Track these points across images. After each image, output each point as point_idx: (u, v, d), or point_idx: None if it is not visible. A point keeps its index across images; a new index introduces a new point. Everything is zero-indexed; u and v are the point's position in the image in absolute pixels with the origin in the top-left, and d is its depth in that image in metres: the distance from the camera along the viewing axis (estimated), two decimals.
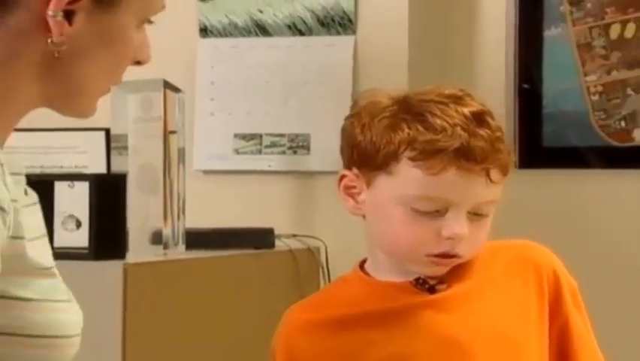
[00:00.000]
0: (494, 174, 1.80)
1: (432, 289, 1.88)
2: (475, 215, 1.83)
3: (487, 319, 1.88)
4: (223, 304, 2.70)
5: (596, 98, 3.31)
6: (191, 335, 2.66)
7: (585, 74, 3.32)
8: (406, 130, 1.82)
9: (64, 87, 1.53)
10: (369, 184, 1.87)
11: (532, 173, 3.33)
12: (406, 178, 1.83)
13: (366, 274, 1.92)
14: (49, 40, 1.46)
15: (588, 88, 3.32)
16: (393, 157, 1.83)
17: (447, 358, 1.86)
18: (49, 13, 1.45)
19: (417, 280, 1.87)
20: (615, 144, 3.31)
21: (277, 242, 3.10)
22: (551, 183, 3.34)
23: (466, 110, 1.81)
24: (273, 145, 3.36)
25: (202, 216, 3.12)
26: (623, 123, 3.29)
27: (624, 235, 3.23)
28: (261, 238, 3.08)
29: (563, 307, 1.92)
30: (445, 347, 1.86)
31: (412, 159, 1.81)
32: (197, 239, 3.03)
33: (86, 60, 1.51)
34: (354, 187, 1.88)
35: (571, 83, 3.33)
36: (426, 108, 1.83)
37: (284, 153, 3.34)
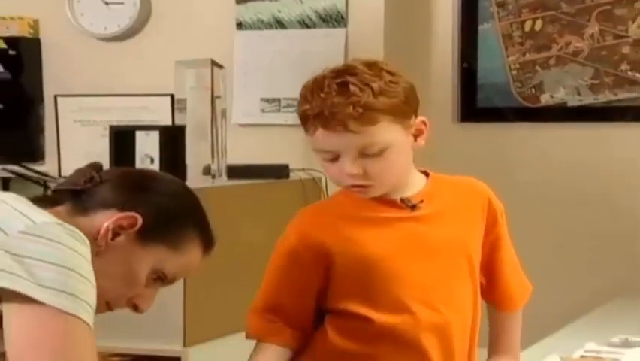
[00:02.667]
0: (353, 126, 1.70)
1: (413, 207, 1.82)
2: (366, 156, 1.74)
3: (450, 230, 1.83)
4: (253, 217, 2.71)
5: (514, 72, 3.32)
6: (232, 241, 2.67)
7: (507, 56, 3.33)
8: (302, 104, 1.78)
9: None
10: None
11: (470, 126, 3.34)
12: (309, 139, 1.79)
13: None
14: (96, 243, 1.52)
15: (509, 66, 3.33)
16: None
17: (420, 257, 1.81)
18: (106, 224, 1.53)
19: (402, 199, 1.81)
20: (528, 105, 3.32)
21: (291, 174, 3.08)
22: (484, 133, 3.34)
23: (332, 82, 1.73)
24: (288, 106, 3.35)
25: (238, 155, 3.12)
26: (533, 90, 3.31)
27: (534, 170, 3.25)
28: (279, 171, 3.07)
29: (497, 226, 1.88)
30: (419, 248, 1.81)
31: (303, 127, 1.78)
32: (235, 172, 3.01)
33: (105, 274, 1.50)
34: None
35: (497, 62, 3.34)
36: (313, 84, 1.77)
37: (295, 111, 3.34)
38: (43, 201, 1.58)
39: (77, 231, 1.44)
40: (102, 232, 1.54)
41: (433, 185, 1.85)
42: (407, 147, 1.79)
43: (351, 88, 1.71)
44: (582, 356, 2.00)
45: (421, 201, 1.82)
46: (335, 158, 1.75)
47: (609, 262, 3.17)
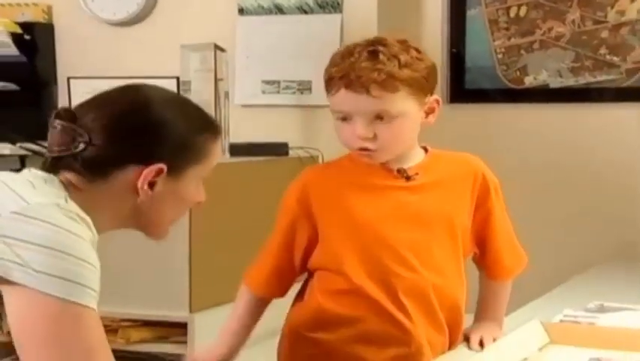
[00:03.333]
0: (375, 91, 1.72)
1: (408, 178, 1.83)
2: (379, 120, 1.75)
3: (438, 202, 1.84)
4: (254, 192, 2.71)
5: (500, 56, 3.33)
6: (235, 214, 2.67)
7: (493, 41, 3.33)
8: (330, 68, 1.79)
9: (145, 223, 1.55)
10: None
11: (459, 106, 3.35)
12: (329, 99, 1.80)
13: None
14: (139, 200, 1.48)
15: (495, 50, 3.33)
16: (326, 89, 1.82)
17: (406, 224, 1.82)
18: (139, 185, 1.46)
19: (398, 170, 1.83)
20: (513, 86, 3.32)
21: (290, 152, 3.09)
22: (471, 113, 3.35)
23: (364, 50, 1.76)
24: (287, 88, 3.35)
25: (240, 134, 3.13)
26: (518, 73, 3.31)
27: (518, 148, 3.26)
28: (279, 149, 3.07)
29: (489, 200, 1.88)
30: (406, 216, 1.83)
31: (326, 87, 1.80)
32: (237, 149, 3.02)
33: (160, 210, 1.52)
34: None
35: (484, 46, 3.34)
36: (344, 50, 1.80)
37: (294, 93, 3.33)
38: (54, 170, 1.47)
39: (75, 210, 1.38)
40: (141, 194, 1.47)
41: (430, 159, 1.87)
42: (417, 121, 1.82)
43: (380, 56, 1.74)
44: (561, 321, 2.01)
45: (416, 174, 1.83)
46: (350, 119, 1.77)
47: (586, 234, 3.20)
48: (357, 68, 1.73)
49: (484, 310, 1.92)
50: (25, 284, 1.29)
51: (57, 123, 1.46)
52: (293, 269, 1.89)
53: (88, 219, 1.39)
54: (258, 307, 1.94)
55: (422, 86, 1.78)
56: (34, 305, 1.30)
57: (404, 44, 1.79)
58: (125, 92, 1.54)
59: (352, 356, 1.82)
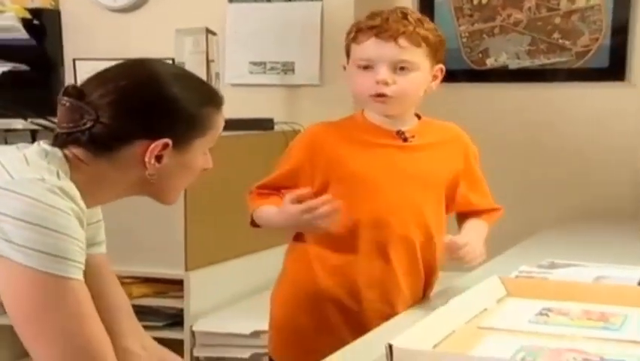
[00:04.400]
0: (402, 41, 1.77)
1: (405, 140, 1.86)
2: (399, 69, 1.78)
3: (428, 163, 1.87)
4: (243, 163, 2.72)
5: (465, 40, 3.33)
6: (226, 182, 2.67)
7: (459, 26, 3.33)
8: (357, 23, 1.83)
9: (155, 193, 1.48)
10: (348, 57, 1.86)
11: None
12: (355, 49, 1.82)
13: (365, 117, 1.88)
14: (146, 173, 1.41)
15: (460, 34, 3.33)
16: (349, 45, 1.84)
17: (399, 180, 1.83)
18: (146, 159, 1.40)
19: (397, 131, 1.85)
20: (476, 67, 3.33)
21: (275, 127, 3.08)
22: (439, 91, 3.27)
23: (397, 10, 1.80)
24: (272, 68, 3.33)
25: (230, 110, 3.12)
26: (480, 55, 3.32)
27: (481, 122, 3.26)
28: (265, 124, 3.06)
29: (471, 166, 1.93)
30: (400, 173, 1.84)
31: (354, 38, 1.82)
32: (227, 124, 2.95)
33: (169, 180, 1.46)
34: (347, 64, 1.87)
35: (450, 31, 3.32)
36: (379, 10, 1.82)
37: (279, 73, 3.32)
38: (63, 145, 1.40)
39: (59, 185, 1.30)
40: (149, 168, 1.41)
41: (423, 125, 1.90)
42: (426, 81, 1.85)
43: (409, 17, 1.79)
44: (516, 276, 2.03)
45: (413, 136, 1.86)
46: (371, 67, 1.79)
47: (539, 200, 3.23)
48: (389, 21, 1.77)
49: (467, 231, 1.90)
50: (8, 257, 1.24)
51: (65, 100, 1.40)
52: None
53: (73, 192, 1.32)
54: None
55: (436, 51, 1.84)
56: (19, 278, 1.24)
57: (427, 19, 1.85)
58: (131, 68, 1.47)
59: (338, 300, 1.84)
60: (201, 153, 1.49)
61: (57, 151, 1.39)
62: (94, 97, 1.39)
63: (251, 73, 3.37)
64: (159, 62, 1.53)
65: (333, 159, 1.84)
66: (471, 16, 3.30)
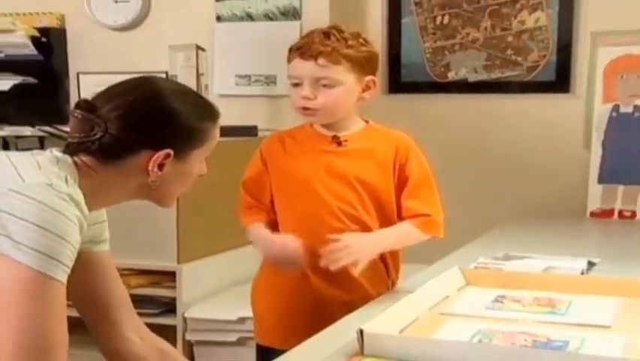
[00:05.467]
0: (321, 60, 1.76)
1: (339, 144, 1.86)
2: (321, 86, 1.78)
3: (360, 167, 1.85)
4: (230, 165, 2.71)
5: (428, 55, 3.33)
6: (216, 182, 2.65)
7: (424, 43, 3.33)
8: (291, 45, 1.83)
9: (155, 197, 1.47)
10: None
11: (396, 96, 3.33)
12: (288, 67, 1.83)
13: (312, 126, 1.89)
14: (149, 180, 1.41)
15: (425, 50, 3.33)
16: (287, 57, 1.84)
17: (336, 182, 1.83)
18: (149, 168, 1.39)
19: (333, 136, 1.85)
20: (438, 80, 3.33)
21: (259, 133, 3.06)
22: (406, 102, 3.34)
23: (321, 32, 1.79)
24: (256, 81, 3.32)
25: None
26: (442, 69, 3.32)
27: (443, 129, 3.28)
28: (250, 131, 3.04)
29: (406, 169, 1.87)
30: (337, 176, 1.84)
31: (287, 57, 1.83)
32: None
33: (169, 186, 1.45)
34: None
35: (416, 47, 3.33)
36: (307, 33, 1.82)
37: (262, 85, 3.31)
38: (73, 153, 1.39)
39: (67, 191, 1.28)
40: (151, 175, 1.40)
41: (366, 131, 1.89)
42: (353, 94, 1.82)
43: (331, 37, 1.77)
44: (475, 267, 2.04)
45: (345, 141, 1.84)
46: (299, 84, 1.79)
47: (494, 199, 3.23)
48: (310, 42, 1.77)
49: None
50: (7, 255, 1.21)
51: (77, 113, 1.39)
52: (268, 197, 1.90)
53: (78, 198, 1.30)
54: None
55: (361, 66, 1.80)
56: (10, 271, 1.21)
57: (354, 33, 1.82)
58: (137, 84, 1.45)
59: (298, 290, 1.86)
60: (198, 162, 1.49)
61: (67, 158, 1.38)
62: (104, 110, 1.38)
63: (237, 85, 3.36)
64: (163, 79, 1.53)
65: (279, 165, 1.86)
66: (434, 34, 3.30)
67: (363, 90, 1.84)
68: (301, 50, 1.77)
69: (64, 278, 1.26)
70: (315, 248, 1.79)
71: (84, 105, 1.39)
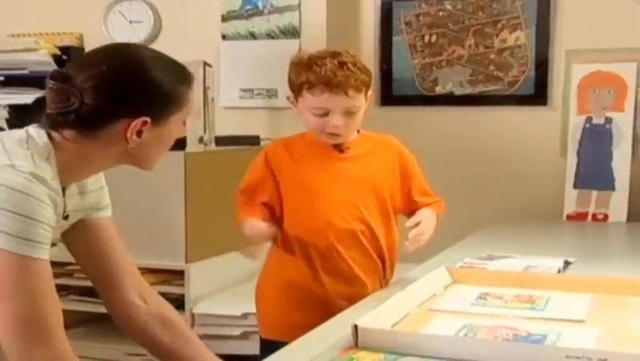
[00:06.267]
0: (350, 92, 1.77)
1: (342, 151, 1.87)
2: (348, 113, 1.80)
3: (363, 169, 1.87)
4: (234, 171, 2.71)
5: (418, 71, 3.33)
6: (221, 186, 2.66)
7: (413, 60, 3.33)
8: (304, 75, 1.79)
9: (136, 162, 1.40)
10: (297, 102, 1.84)
11: (388, 108, 3.33)
12: (307, 100, 1.80)
13: (312, 134, 1.88)
14: (128, 147, 1.34)
15: (414, 66, 3.33)
16: (300, 90, 1.81)
17: (340, 185, 1.85)
18: (128, 135, 1.32)
19: (334, 145, 1.86)
20: (427, 94, 3.33)
21: (261, 142, 3.06)
22: (397, 114, 3.33)
23: (335, 60, 1.78)
24: (259, 94, 3.32)
25: (224, 129, 3.11)
26: (431, 84, 3.32)
27: (431, 139, 3.28)
28: (253, 140, 3.04)
29: (408, 171, 1.92)
30: (342, 180, 1.85)
31: (308, 91, 1.79)
32: (220, 141, 3.00)
33: (148, 151, 1.38)
34: (295, 102, 1.85)
35: (406, 64, 3.33)
36: (309, 60, 1.80)
37: (264, 98, 3.31)
38: (52, 126, 1.32)
39: (29, 170, 1.23)
40: (130, 142, 1.33)
41: (360, 138, 1.91)
42: (364, 110, 1.85)
43: (349, 65, 1.78)
44: (461, 266, 2.04)
45: (348, 148, 1.86)
46: (326, 114, 1.78)
47: (479, 203, 3.23)
48: (338, 76, 1.75)
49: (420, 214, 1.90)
50: None
51: (52, 84, 1.31)
52: (271, 200, 1.89)
53: (44, 175, 1.24)
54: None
55: (369, 85, 1.84)
56: None
57: (355, 56, 1.84)
58: (111, 52, 1.37)
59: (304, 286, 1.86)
60: (176, 126, 1.40)
61: (42, 135, 1.31)
62: (78, 81, 1.29)
63: (241, 98, 3.36)
64: (136, 45, 1.45)
65: (288, 169, 1.86)
66: (422, 52, 3.31)
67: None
68: (329, 84, 1.75)
69: (43, 255, 1.23)
70: (323, 247, 1.81)
71: (58, 76, 1.31)
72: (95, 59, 1.34)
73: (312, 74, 1.77)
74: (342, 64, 1.78)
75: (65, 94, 1.29)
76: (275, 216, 1.89)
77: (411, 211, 1.93)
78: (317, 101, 1.78)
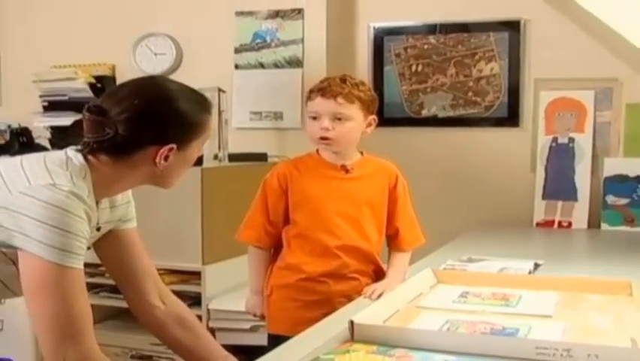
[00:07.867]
0: (340, 99, 1.77)
1: (347, 171, 1.86)
2: (336, 119, 1.78)
3: (364, 189, 1.86)
4: (244, 185, 2.71)
5: (406, 96, 3.33)
6: (233, 197, 2.66)
7: (402, 86, 3.33)
8: (314, 85, 1.83)
9: (160, 182, 1.40)
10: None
11: (379, 130, 3.14)
12: (308, 104, 1.82)
13: (319, 154, 1.88)
14: (156, 170, 1.35)
15: (403, 92, 3.33)
16: (306, 102, 1.84)
17: (343, 202, 1.83)
18: (156, 160, 1.33)
19: (341, 165, 1.85)
20: (414, 116, 3.32)
21: (269, 159, 3.05)
22: (387, 134, 3.30)
23: (337, 77, 1.81)
24: (266, 116, 3.31)
25: (236, 147, 3.11)
26: (417, 107, 3.32)
27: (417, 157, 3.27)
28: (261, 157, 3.03)
29: (395, 193, 1.90)
30: (345, 197, 1.84)
31: (308, 96, 1.83)
32: (234, 157, 3.00)
33: (173, 172, 1.38)
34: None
35: (395, 90, 3.33)
36: (324, 79, 1.84)
37: (271, 119, 3.30)
38: (89, 151, 1.32)
39: (68, 189, 1.23)
40: (158, 166, 1.33)
41: (364, 160, 1.90)
42: (360, 128, 1.84)
43: (347, 81, 1.80)
44: (444, 268, 2.04)
45: (352, 168, 1.85)
46: (318, 118, 1.79)
47: (460, 212, 3.23)
48: (331, 84, 1.78)
49: (389, 273, 1.89)
50: (24, 249, 1.20)
51: (88, 116, 1.31)
52: (277, 226, 1.87)
53: (81, 193, 1.24)
54: (265, 260, 1.90)
55: (368, 106, 1.83)
56: (31, 264, 1.20)
57: (362, 81, 1.85)
58: (142, 86, 1.36)
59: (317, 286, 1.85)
60: (197, 149, 1.40)
61: (79, 157, 1.32)
62: (113, 113, 1.30)
63: (250, 119, 3.36)
64: (162, 78, 1.46)
65: (299, 186, 1.84)
66: (410, 79, 3.31)
67: (367, 126, 1.86)
68: (322, 91, 1.78)
69: (78, 264, 1.22)
70: (325, 253, 1.81)
71: (94, 109, 1.31)
72: (127, 92, 1.34)
73: (316, 86, 1.82)
74: (343, 79, 1.80)
75: (101, 125, 1.30)
76: (278, 229, 1.88)
77: (389, 235, 1.90)
78: (311, 104, 1.81)
